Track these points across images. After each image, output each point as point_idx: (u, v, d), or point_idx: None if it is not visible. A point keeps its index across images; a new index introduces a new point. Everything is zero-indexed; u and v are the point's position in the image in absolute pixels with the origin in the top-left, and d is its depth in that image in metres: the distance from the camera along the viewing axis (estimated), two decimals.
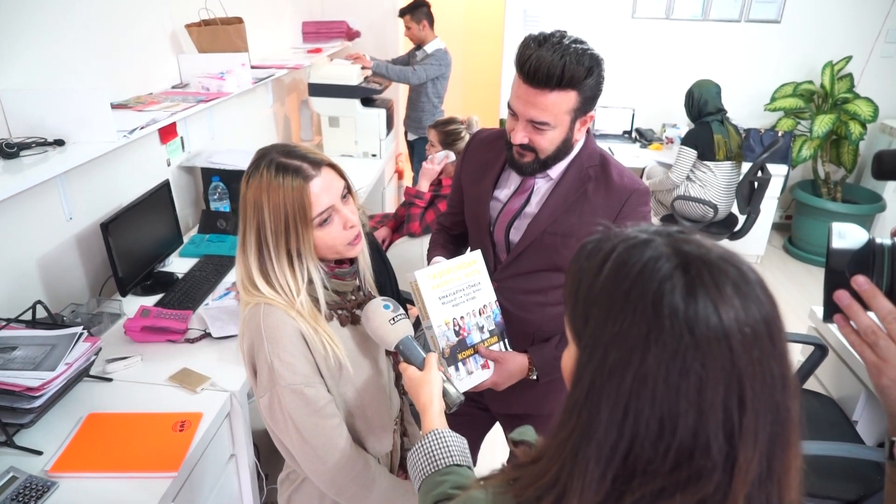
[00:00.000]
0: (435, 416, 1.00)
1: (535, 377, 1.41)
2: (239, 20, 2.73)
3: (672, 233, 0.60)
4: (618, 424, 0.56)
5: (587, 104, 1.26)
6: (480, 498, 0.67)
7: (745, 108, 4.56)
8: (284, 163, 1.05)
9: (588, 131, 1.38)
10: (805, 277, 4.21)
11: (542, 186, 1.38)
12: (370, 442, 1.20)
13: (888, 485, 0.69)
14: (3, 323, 1.54)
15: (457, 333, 1.30)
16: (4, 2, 1.66)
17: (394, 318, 1.09)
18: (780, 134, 4.10)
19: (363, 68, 3.80)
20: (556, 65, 1.17)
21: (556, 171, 1.36)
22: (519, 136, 1.28)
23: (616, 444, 0.56)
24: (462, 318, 1.31)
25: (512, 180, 1.42)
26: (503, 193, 1.42)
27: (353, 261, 1.20)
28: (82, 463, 1.35)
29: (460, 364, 1.31)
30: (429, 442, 0.95)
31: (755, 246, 4.25)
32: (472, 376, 1.33)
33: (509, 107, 1.29)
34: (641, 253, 0.58)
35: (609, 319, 0.57)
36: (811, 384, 2.16)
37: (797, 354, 2.27)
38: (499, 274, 1.42)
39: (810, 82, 4.31)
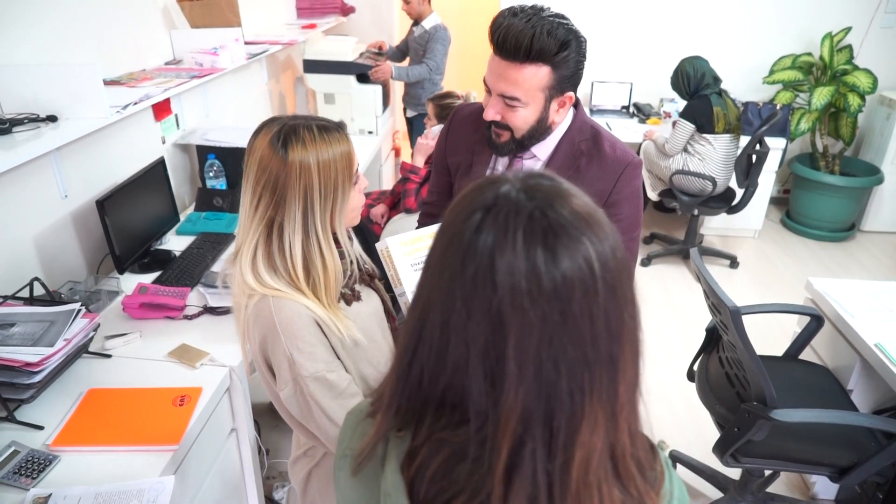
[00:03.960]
0: None
1: None
2: None
3: (523, 177, 0.59)
4: (412, 350, 0.60)
5: (563, 83, 1.21)
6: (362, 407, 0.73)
7: (744, 82, 4.52)
8: (323, 123, 1.05)
9: (578, 103, 1.35)
10: (802, 251, 4.22)
11: (531, 167, 1.36)
12: None
13: None
14: (1, 300, 1.54)
15: None
16: None
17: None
18: (778, 107, 4.07)
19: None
20: (525, 34, 1.13)
21: (544, 150, 1.34)
22: (490, 113, 1.25)
23: (409, 366, 0.61)
24: None
25: (500, 161, 1.39)
26: (489, 174, 1.41)
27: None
28: (83, 437, 1.36)
29: None
30: None
31: (753, 220, 4.25)
32: None
33: (484, 82, 1.26)
34: (477, 189, 0.60)
35: (434, 243, 0.62)
36: (807, 354, 2.18)
37: (794, 325, 2.28)
38: None
39: (809, 54, 4.28)
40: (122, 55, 2.28)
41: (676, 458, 2.34)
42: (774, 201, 4.79)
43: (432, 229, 1.32)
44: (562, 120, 1.31)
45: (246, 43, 2.87)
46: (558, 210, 0.55)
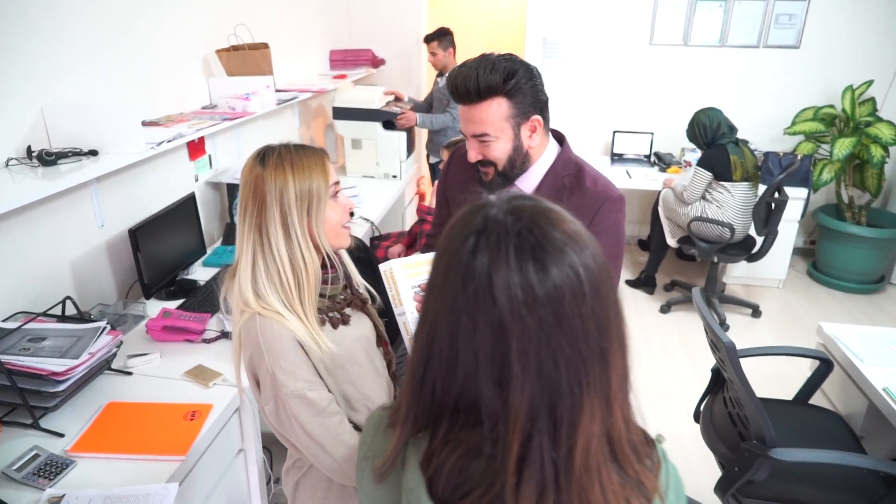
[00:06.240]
0: None
1: None
2: (265, 45, 2.89)
3: (507, 199, 0.67)
4: (424, 365, 0.67)
5: (525, 108, 1.32)
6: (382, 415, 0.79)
7: (765, 133, 4.57)
8: (301, 143, 1.16)
9: (564, 141, 1.43)
10: (828, 301, 4.15)
11: None
12: None
13: None
14: (35, 315, 1.67)
15: None
16: (49, 25, 1.83)
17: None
18: (798, 157, 4.10)
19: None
20: (471, 77, 1.28)
21: (528, 184, 1.42)
22: (472, 154, 1.37)
23: (422, 380, 0.68)
24: None
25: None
26: None
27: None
28: (99, 444, 1.45)
29: None
30: None
31: (777, 270, 4.22)
32: None
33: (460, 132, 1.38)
34: (467, 215, 0.66)
35: (433, 268, 0.68)
36: (817, 399, 2.15)
37: (805, 369, 2.26)
38: None
39: (831, 106, 4.31)
40: (163, 99, 2.48)
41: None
42: (800, 252, 4.75)
43: (430, 255, 1.40)
44: (537, 145, 1.38)
45: (277, 90, 3.06)
46: (542, 226, 0.63)
